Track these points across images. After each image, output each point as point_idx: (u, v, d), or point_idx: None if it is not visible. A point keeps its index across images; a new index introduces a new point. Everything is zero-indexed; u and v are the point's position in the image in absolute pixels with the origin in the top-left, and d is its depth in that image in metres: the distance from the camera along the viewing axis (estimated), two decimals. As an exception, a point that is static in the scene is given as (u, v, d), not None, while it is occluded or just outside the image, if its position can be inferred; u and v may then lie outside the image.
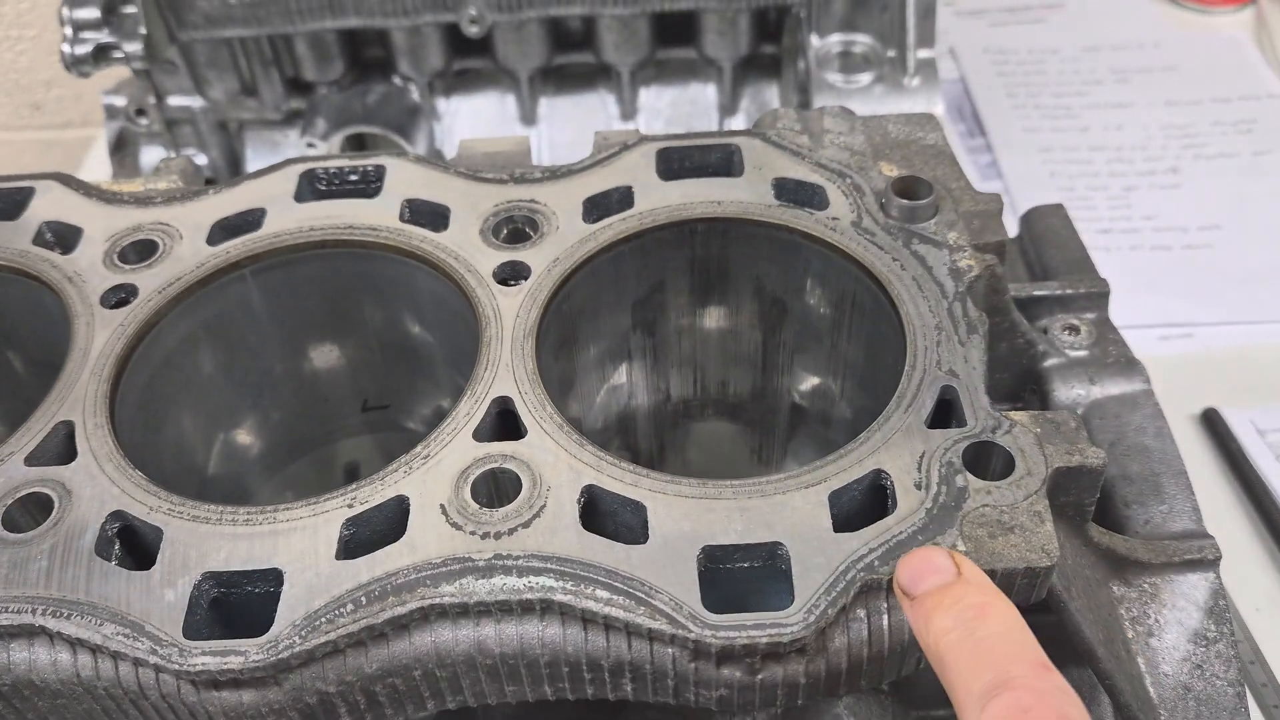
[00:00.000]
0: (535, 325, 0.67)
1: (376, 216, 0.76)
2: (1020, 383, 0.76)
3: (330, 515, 0.58)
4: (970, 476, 0.58)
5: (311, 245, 0.75)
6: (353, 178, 0.80)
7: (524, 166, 0.79)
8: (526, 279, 0.70)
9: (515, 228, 0.74)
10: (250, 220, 0.76)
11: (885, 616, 0.55)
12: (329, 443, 0.88)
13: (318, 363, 0.84)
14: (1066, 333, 0.76)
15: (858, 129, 0.80)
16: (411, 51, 1.30)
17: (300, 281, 0.77)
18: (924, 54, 1.21)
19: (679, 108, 1.38)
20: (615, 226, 0.73)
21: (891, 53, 1.22)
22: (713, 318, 0.80)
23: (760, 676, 0.54)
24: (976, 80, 1.62)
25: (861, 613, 0.55)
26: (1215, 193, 1.42)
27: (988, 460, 0.59)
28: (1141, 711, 0.60)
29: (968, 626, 0.48)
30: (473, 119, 1.37)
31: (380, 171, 0.79)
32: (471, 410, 0.63)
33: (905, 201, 0.72)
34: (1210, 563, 0.65)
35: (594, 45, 1.31)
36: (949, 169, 0.77)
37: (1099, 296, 0.78)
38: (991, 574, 0.54)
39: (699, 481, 0.59)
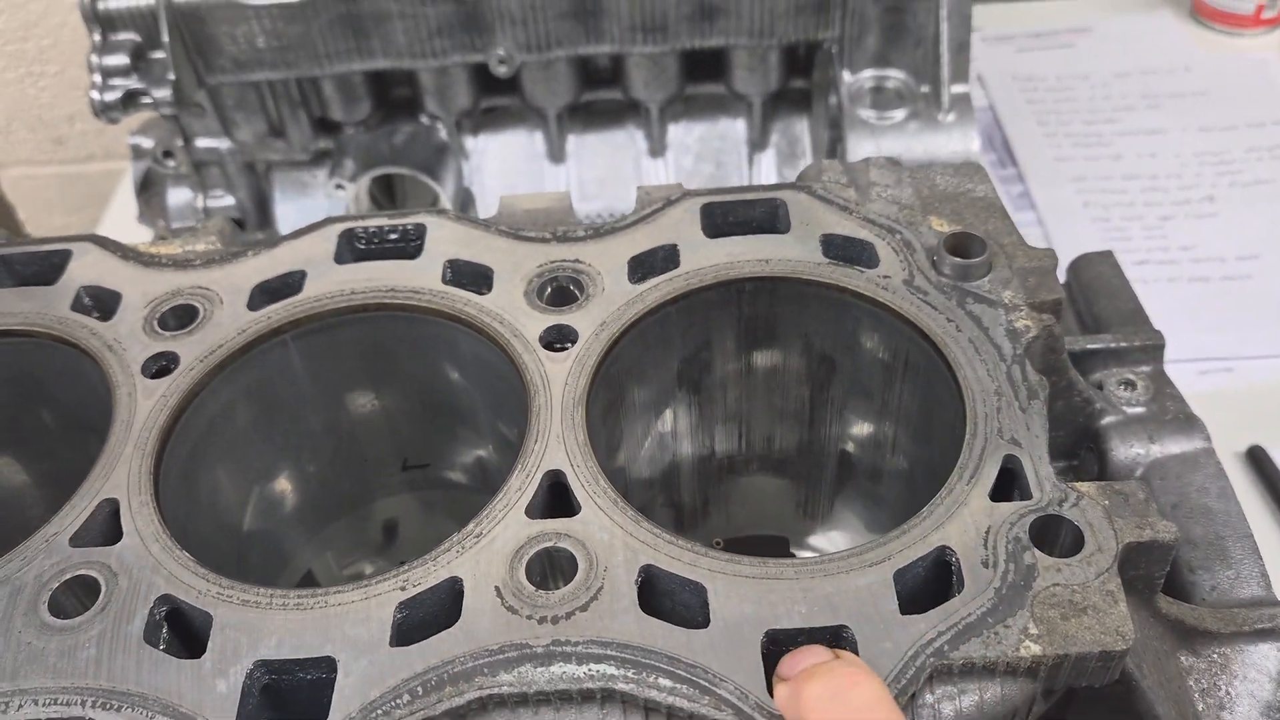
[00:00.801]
0: (585, 393, 0.66)
1: (418, 278, 0.75)
2: (1077, 441, 0.74)
3: (383, 598, 0.57)
4: (1039, 553, 0.56)
5: (353, 309, 0.74)
6: (393, 237, 0.79)
7: (566, 224, 0.78)
8: (574, 343, 0.69)
9: (560, 289, 0.73)
10: (290, 283, 0.75)
11: (958, 700, 0.53)
12: (368, 502, 0.87)
13: (357, 421, 0.83)
14: (1123, 388, 0.75)
15: (905, 181, 0.78)
16: (439, 91, 1.29)
17: (341, 344, 0.76)
18: (958, 89, 1.19)
19: (708, 143, 1.37)
20: (662, 288, 0.72)
21: (925, 88, 1.21)
22: (759, 375, 0.79)
23: (830, 767, 0.52)
24: (1005, 108, 1.60)
25: (930, 699, 0.53)
26: (1253, 221, 1.40)
27: (1055, 535, 0.58)
28: (1216, 790, 0.59)
29: (839, 695, 0.49)
30: (501, 157, 1.36)
31: (420, 230, 0.78)
32: (523, 485, 0.62)
33: (959, 259, 0.70)
34: (1281, 632, 0.63)
35: (622, 82, 1.30)
36: (1000, 223, 0.76)
37: (1154, 349, 0.77)
38: (1064, 658, 0.53)
39: (759, 561, 0.57)
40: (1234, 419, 1.17)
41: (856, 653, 0.53)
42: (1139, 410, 0.73)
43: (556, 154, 1.36)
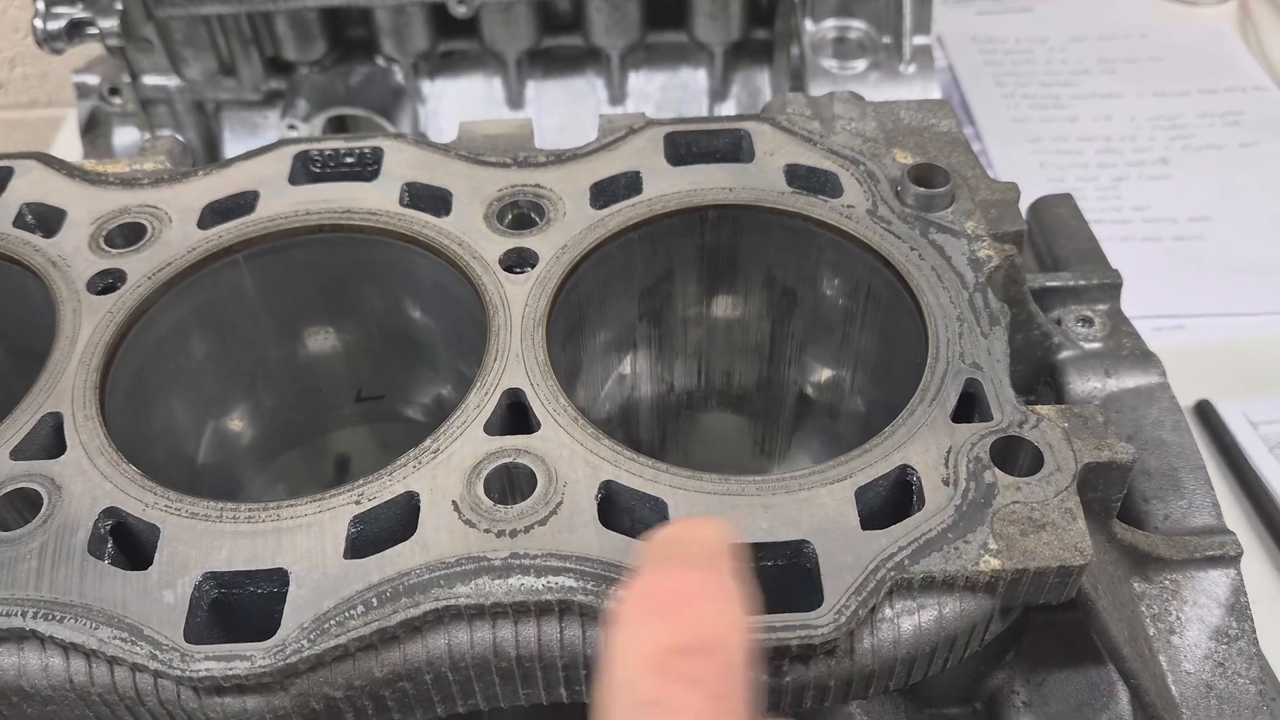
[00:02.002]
0: (545, 314, 0.65)
1: (375, 200, 0.73)
2: (1035, 375, 0.74)
3: (337, 512, 0.56)
4: (999, 472, 0.56)
5: (308, 230, 0.72)
6: (349, 160, 0.77)
7: (527, 150, 0.76)
8: (534, 266, 0.68)
9: (521, 213, 0.72)
10: (243, 203, 0.73)
11: (917, 615, 0.53)
12: (322, 434, 0.85)
13: (313, 350, 0.81)
14: (1081, 324, 0.75)
15: (869, 115, 0.78)
16: (396, 32, 1.27)
17: (295, 267, 0.74)
18: (920, 40, 1.19)
19: (669, 92, 1.36)
20: (625, 213, 0.71)
21: (887, 39, 1.21)
22: (721, 307, 0.78)
23: (788, 679, 0.52)
24: (964, 69, 1.61)
25: (890, 613, 0.53)
26: (1204, 184, 1.41)
27: (1015, 455, 0.58)
28: (1165, 711, 0.59)
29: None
30: (458, 102, 1.34)
31: (378, 154, 0.76)
32: (481, 402, 0.61)
33: (922, 189, 0.70)
34: (1232, 559, 0.64)
35: (583, 28, 1.29)
36: (964, 156, 0.75)
37: (1112, 288, 0.77)
38: (1023, 573, 0.53)
39: (721, 477, 0.57)
40: (1184, 375, 1.18)
41: (817, 569, 0.53)
42: (1096, 346, 0.74)
43: (515, 100, 1.34)
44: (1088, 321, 0.75)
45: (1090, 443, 0.58)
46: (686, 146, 0.77)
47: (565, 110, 1.34)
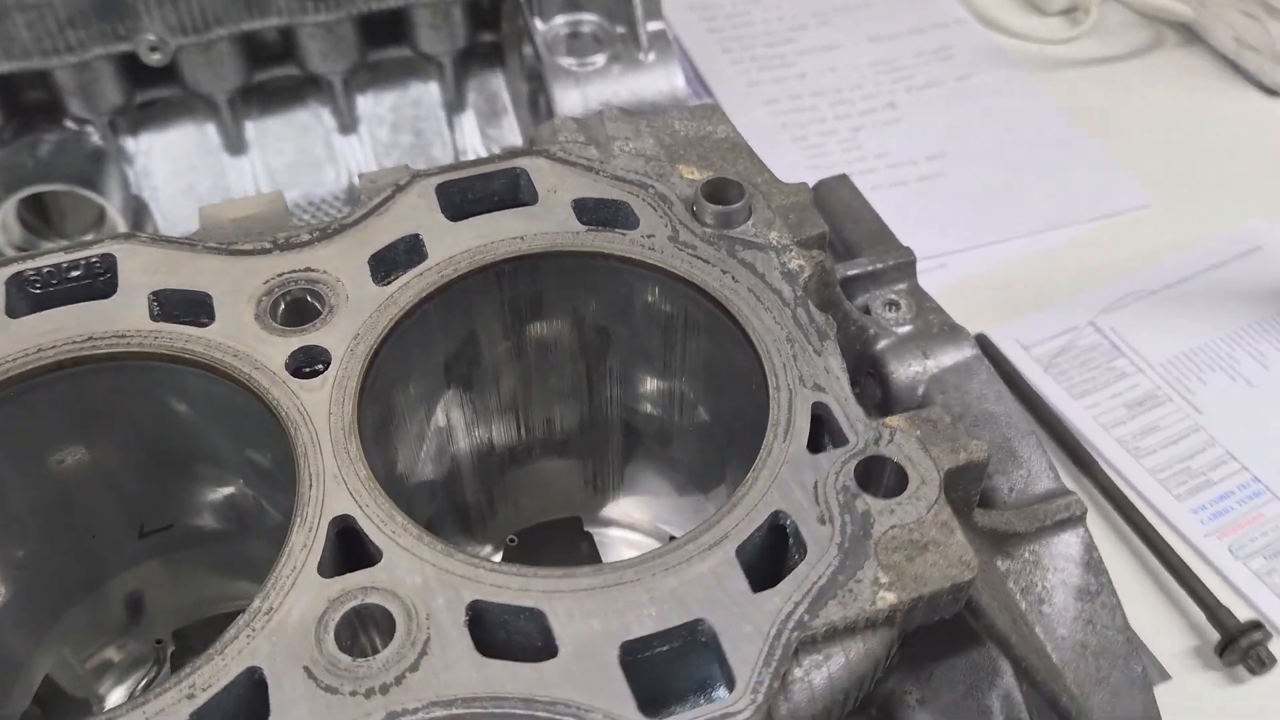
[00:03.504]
0: (354, 420, 0.58)
1: (120, 319, 0.63)
2: (857, 368, 0.74)
3: (167, 714, 0.48)
4: (869, 499, 0.55)
5: (45, 369, 0.61)
6: (75, 274, 0.66)
7: (285, 229, 0.68)
8: (328, 365, 0.61)
9: (297, 305, 0.64)
10: (-45, 352, 0.62)
11: (825, 668, 0.51)
12: (103, 580, 0.74)
13: (71, 491, 0.70)
14: (888, 309, 0.75)
15: (644, 131, 0.75)
16: (82, 90, 1.12)
17: (38, 412, 0.63)
18: (654, 26, 1.17)
19: (402, 111, 1.28)
20: (414, 284, 0.65)
21: (620, 29, 1.18)
22: (531, 358, 0.74)
23: (715, 771, 0.49)
24: (690, 39, 1.60)
25: (799, 672, 0.51)
26: (933, 122, 1.47)
27: (880, 476, 0.57)
28: (1053, 682, 0.60)
29: None
30: (170, 156, 1.21)
31: (109, 262, 0.66)
32: (308, 540, 0.53)
33: (719, 207, 0.67)
34: (1079, 518, 0.66)
35: (297, 57, 1.19)
36: (749, 162, 0.73)
37: (907, 266, 0.78)
38: (919, 599, 0.52)
39: (594, 569, 0.52)
40: (957, 313, 1.24)
41: (718, 643, 0.50)
42: (908, 329, 0.74)
43: (235, 144, 1.22)
44: (894, 305, 0.75)
45: (945, 447, 0.57)
46: (462, 196, 0.71)
47: (293, 147, 1.24)
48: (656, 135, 0.74)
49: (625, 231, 0.68)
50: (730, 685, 0.49)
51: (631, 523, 0.86)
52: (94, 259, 0.66)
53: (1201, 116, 1.49)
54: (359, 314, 0.63)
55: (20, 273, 0.65)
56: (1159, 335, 1.22)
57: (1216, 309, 1.25)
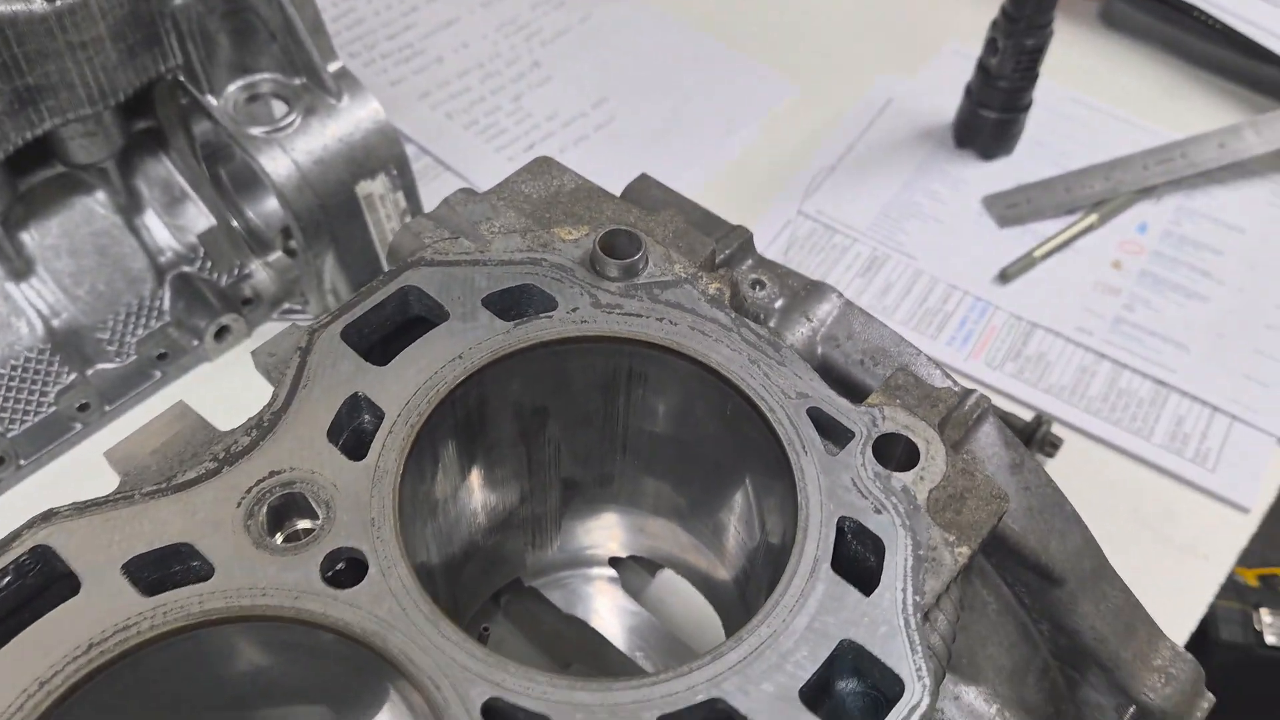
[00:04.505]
0: (432, 603, 0.57)
1: (108, 611, 0.56)
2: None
3: None
4: (898, 475, 0.63)
5: (58, 703, 0.54)
6: (6, 581, 0.57)
7: (213, 440, 0.63)
8: (363, 562, 0.58)
9: (285, 509, 0.60)
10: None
11: (938, 622, 0.59)
12: None
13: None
14: (756, 289, 0.82)
15: (499, 207, 0.75)
16: None
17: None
18: (334, 67, 1.12)
19: (77, 231, 1.15)
20: (391, 446, 0.62)
21: (299, 80, 1.12)
22: (480, 461, 0.73)
23: None
24: (310, 53, 1.53)
25: (935, 639, 0.59)
26: (582, 70, 1.53)
27: (894, 452, 0.64)
28: (1042, 557, 0.73)
29: None
30: None
31: (44, 554, 0.57)
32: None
33: (621, 261, 0.70)
34: (988, 409, 0.78)
35: (-55, 217, 1.02)
36: (606, 201, 0.76)
37: (747, 242, 0.84)
38: (983, 542, 0.61)
39: (736, 642, 0.56)
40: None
41: (869, 653, 0.56)
42: (781, 303, 0.81)
43: (-97, 337, 1.04)
44: (760, 285, 0.82)
45: (925, 403, 0.66)
46: (369, 336, 0.68)
47: (-29, 315, 1.08)
48: (513, 205, 0.75)
49: (550, 314, 0.69)
50: (895, 684, 0.55)
51: (571, 561, 0.88)
52: (23, 560, 0.57)
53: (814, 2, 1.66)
54: (359, 497, 0.60)
55: (-61, 610, 0.56)
56: (855, 204, 1.38)
57: (883, 165, 1.43)
